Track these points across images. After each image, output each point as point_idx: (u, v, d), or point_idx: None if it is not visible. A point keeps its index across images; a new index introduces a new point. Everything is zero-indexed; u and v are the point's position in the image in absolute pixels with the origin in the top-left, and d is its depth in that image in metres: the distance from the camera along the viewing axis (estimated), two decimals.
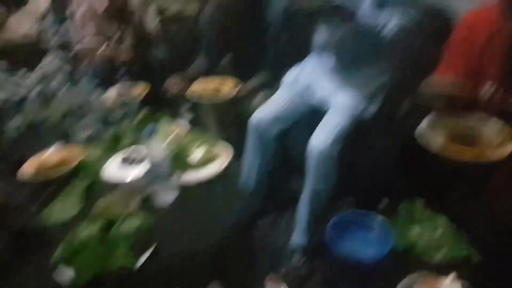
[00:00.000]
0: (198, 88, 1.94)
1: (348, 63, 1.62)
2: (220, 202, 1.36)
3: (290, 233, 1.69)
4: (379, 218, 1.21)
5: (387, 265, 1.15)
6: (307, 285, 1.51)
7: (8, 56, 1.99)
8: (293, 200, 1.69)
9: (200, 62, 2.13)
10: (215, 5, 2.03)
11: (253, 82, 1.94)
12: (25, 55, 2.01)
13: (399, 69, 1.55)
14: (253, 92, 1.90)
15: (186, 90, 1.97)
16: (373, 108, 1.58)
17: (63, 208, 1.28)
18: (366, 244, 1.20)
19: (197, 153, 1.49)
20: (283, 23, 1.81)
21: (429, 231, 1.20)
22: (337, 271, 1.20)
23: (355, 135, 1.54)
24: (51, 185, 1.38)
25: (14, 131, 1.86)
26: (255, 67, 1.95)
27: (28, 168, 1.42)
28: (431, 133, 1.29)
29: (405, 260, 1.16)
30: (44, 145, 1.56)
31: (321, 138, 1.51)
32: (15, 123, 1.86)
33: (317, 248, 1.57)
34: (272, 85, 1.83)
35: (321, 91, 1.68)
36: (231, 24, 1.96)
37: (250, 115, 1.74)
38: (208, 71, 2.15)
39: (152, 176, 1.27)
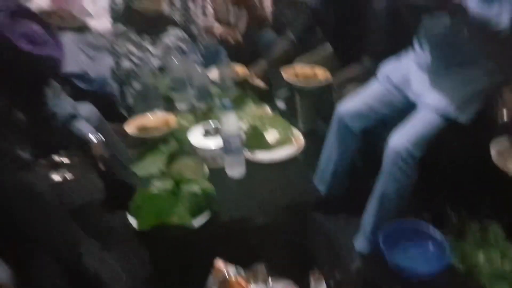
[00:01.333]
0: (289, 74, 1.96)
1: (449, 60, 1.47)
2: (286, 186, 1.39)
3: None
4: (438, 232, 1.11)
5: (442, 284, 1.06)
6: None
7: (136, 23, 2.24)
8: None
9: (286, 44, 2.07)
10: None
11: (347, 72, 1.89)
12: (149, 23, 2.22)
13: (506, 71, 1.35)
14: (346, 82, 1.85)
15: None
16: (469, 113, 1.42)
17: (149, 164, 1.47)
18: (422, 257, 1.12)
19: (272, 135, 1.56)
20: (386, 14, 1.72)
21: (500, 260, 1.06)
22: (389, 282, 1.14)
23: (442, 141, 1.41)
24: (147, 143, 1.59)
25: (131, 96, 2.17)
26: (350, 58, 1.89)
27: (132, 125, 1.66)
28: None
29: (463, 283, 1.05)
30: (150, 110, 1.79)
31: (401, 137, 1.42)
32: (134, 89, 2.16)
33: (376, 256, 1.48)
34: (366, 77, 1.76)
35: (415, 87, 1.57)
36: (335, 12, 1.92)
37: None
38: (296, 56, 2.14)
39: (224, 149, 1.37)
